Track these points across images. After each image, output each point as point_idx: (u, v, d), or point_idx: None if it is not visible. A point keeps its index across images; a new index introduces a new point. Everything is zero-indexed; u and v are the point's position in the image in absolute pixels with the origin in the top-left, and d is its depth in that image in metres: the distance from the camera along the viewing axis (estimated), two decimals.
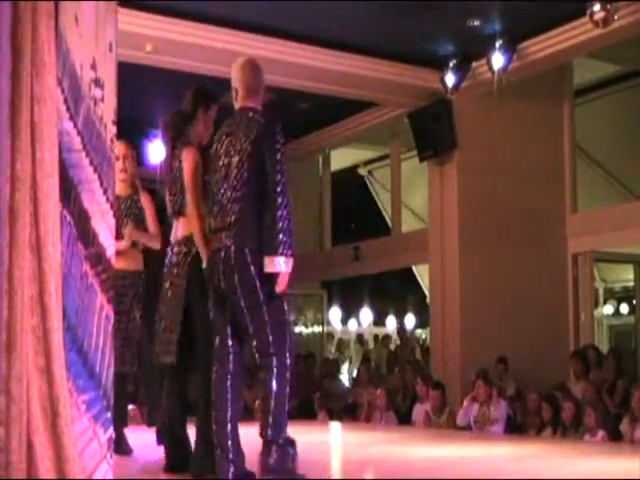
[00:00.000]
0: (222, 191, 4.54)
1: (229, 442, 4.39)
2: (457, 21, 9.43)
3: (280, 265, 4.34)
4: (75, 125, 3.68)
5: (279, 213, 4.34)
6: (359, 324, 19.42)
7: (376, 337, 18.37)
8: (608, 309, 16.78)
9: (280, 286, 4.39)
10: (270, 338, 4.41)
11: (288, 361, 4.47)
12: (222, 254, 4.47)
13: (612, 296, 17.10)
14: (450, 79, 10.41)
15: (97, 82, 3.78)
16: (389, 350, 16.43)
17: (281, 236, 4.33)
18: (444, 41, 10.10)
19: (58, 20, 3.63)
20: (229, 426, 4.42)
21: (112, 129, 3.83)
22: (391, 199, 14.16)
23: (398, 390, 11.54)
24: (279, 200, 4.36)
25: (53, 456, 3.42)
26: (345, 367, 16.76)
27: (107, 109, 3.81)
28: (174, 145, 5.09)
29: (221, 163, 4.59)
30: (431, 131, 11.11)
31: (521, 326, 10.84)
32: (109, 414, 3.71)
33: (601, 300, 16.14)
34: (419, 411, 10.12)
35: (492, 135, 11.22)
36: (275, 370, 4.42)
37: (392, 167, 13.92)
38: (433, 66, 10.48)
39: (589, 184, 12.58)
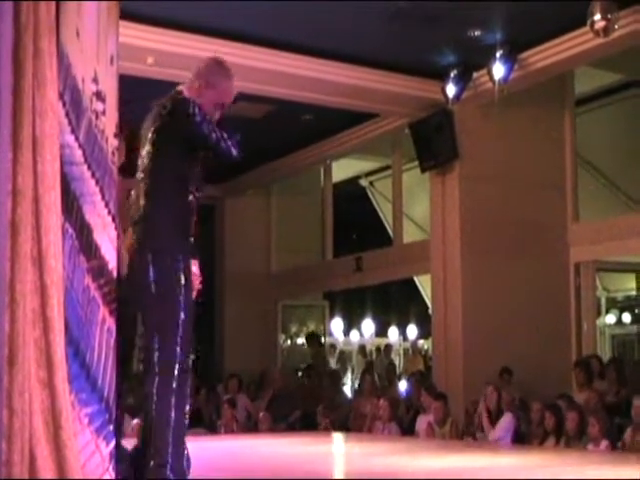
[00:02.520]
0: None
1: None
2: (458, 32, 9.44)
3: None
4: (76, 138, 3.69)
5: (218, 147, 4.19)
6: (361, 335, 19.40)
7: (378, 348, 18.37)
8: (610, 318, 16.76)
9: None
10: (156, 354, 4.12)
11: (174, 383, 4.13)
12: None
13: (614, 305, 17.09)
14: (451, 89, 10.41)
15: (98, 95, 3.79)
16: (390, 360, 16.42)
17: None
18: (445, 52, 10.11)
19: (59, 34, 3.65)
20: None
21: (113, 142, 3.84)
22: (393, 210, 14.16)
23: (401, 401, 11.52)
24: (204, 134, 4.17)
25: (55, 469, 3.42)
26: (348, 378, 16.75)
27: (109, 122, 3.82)
28: None
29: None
30: (432, 142, 11.11)
31: (524, 336, 10.82)
32: (111, 427, 3.71)
33: (603, 309, 16.12)
34: (422, 422, 10.10)
35: (493, 145, 11.22)
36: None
37: (393, 178, 13.92)
38: (434, 77, 10.49)
39: (591, 193, 12.58)
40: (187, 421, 4.16)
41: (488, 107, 10.53)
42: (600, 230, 11.46)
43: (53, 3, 3.63)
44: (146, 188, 4.13)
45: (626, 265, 14.06)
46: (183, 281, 4.11)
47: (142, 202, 4.12)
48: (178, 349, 4.08)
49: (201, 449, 5.20)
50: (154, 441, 3.97)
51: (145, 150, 4.22)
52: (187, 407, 4.18)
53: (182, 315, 4.10)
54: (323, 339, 15.78)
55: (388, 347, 17.81)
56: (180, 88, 4.46)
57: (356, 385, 15.13)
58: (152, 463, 3.93)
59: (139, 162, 4.27)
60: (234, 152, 4.20)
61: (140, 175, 4.21)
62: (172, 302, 4.09)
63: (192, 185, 4.20)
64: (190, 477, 4.12)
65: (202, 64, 4.57)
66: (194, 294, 4.24)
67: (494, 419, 9.35)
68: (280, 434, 9.36)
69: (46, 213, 3.47)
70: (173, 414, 4.02)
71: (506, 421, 9.28)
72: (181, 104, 4.23)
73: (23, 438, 3.34)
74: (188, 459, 4.17)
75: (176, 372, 4.06)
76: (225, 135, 4.18)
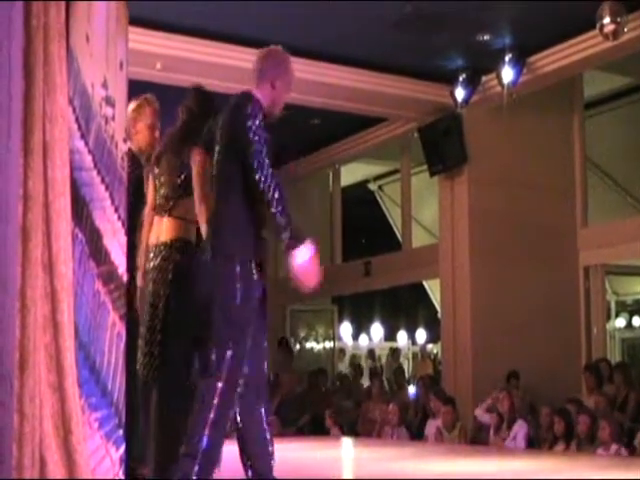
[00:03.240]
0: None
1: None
2: (467, 36, 9.45)
3: (297, 256, 3.98)
4: (86, 144, 3.70)
5: (271, 208, 3.97)
6: (370, 339, 19.39)
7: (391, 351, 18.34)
8: (620, 322, 16.72)
9: (305, 280, 4.07)
10: (213, 356, 4.01)
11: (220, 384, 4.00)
12: None
13: (624, 309, 17.04)
14: (460, 93, 10.42)
15: (108, 100, 3.80)
16: (398, 364, 16.40)
17: (286, 233, 3.97)
18: (454, 56, 10.12)
19: (69, 40, 3.66)
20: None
21: (123, 147, 3.85)
22: (401, 214, 14.15)
23: (410, 405, 11.51)
24: (262, 189, 3.97)
25: (65, 474, 3.42)
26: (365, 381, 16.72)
27: (118, 127, 3.83)
28: (178, 144, 4.97)
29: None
30: (441, 145, 11.12)
31: (533, 340, 10.80)
32: (121, 432, 3.72)
33: (613, 313, 16.08)
34: (431, 427, 10.08)
35: (502, 149, 11.22)
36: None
37: (402, 182, 13.92)
38: (443, 81, 10.49)
39: (600, 197, 12.56)
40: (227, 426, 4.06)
41: (497, 111, 10.52)
42: (609, 234, 11.44)
43: (63, 8, 3.64)
44: (216, 190, 4.13)
45: (635, 268, 14.02)
46: (251, 284, 4.05)
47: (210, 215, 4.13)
48: (230, 353, 4.00)
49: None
50: (189, 434, 3.90)
51: (216, 149, 4.22)
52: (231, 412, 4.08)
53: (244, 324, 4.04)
54: (332, 343, 15.76)
55: (397, 351, 17.79)
56: (250, 90, 4.31)
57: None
58: (181, 450, 3.89)
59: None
60: (277, 203, 4.00)
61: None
62: (237, 310, 4.01)
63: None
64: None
65: (265, 55, 4.44)
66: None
67: (506, 425, 9.33)
68: (289, 438, 9.34)
69: (56, 219, 3.47)
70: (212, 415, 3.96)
71: (521, 429, 9.24)
72: (243, 113, 4.10)
73: (34, 442, 3.35)
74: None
75: (240, 381, 4.00)
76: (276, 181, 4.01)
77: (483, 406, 9.73)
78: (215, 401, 3.91)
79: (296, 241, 3.96)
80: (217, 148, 4.22)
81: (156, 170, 5.00)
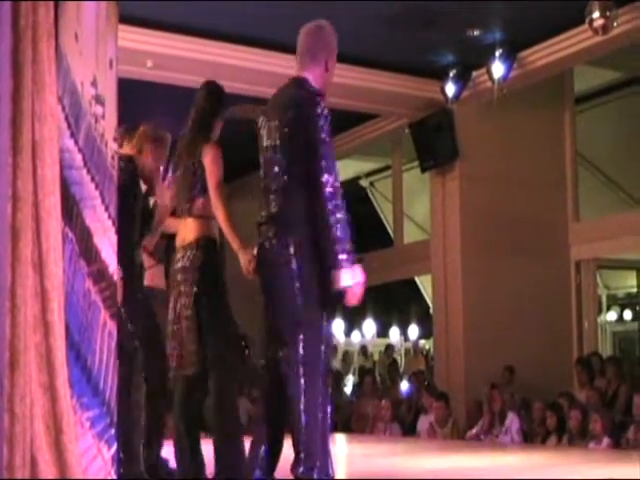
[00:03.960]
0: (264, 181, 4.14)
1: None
2: (457, 31, 9.45)
3: (346, 278, 3.93)
4: (76, 142, 3.69)
5: (330, 217, 3.87)
6: (362, 336, 19.40)
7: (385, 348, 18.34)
8: (612, 316, 16.77)
9: (351, 299, 3.97)
10: (300, 351, 3.91)
11: (319, 382, 3.92)
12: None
13: (615, 302, 17.10)
14: (450, 89, 10.43)
15: (98, 99, 3.78)
16: (391, 360, 16.41)
17: (337, 246, 3.90)
18: (444, 51, 10.12)
19: (58, 39, 3.64)
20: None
21: (113, 145, 3.84)
22: (393, 210, 14.16)
23: (402, 401, 11.52)
24: (326, 187, 3.86)
25: (57, 474, 3.41)
26: (350, 379, 16.74)
27: (108, 126, 3.81)
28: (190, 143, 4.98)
29: (261, 148, 4.19)
30: (432, 141, 11.13)
31: (525, 335, 10.83)
32: (113, 431, 3.71)
33: (604, 307, 16.13)
34: (424, 422, 10.10)
35: (493, 144, 11.23)
36: (303, 395, 3.88)
37: (394, 178, 13.93)
38: (433, 76, 10.50)
39: (591, 191, 12.58)
40: (330, 421, 4.00)
41: (488, 106, 10.53)
42: (600, 228, 11.48)
43: (52, 7, 3.63)
44: (279, 184, 4.05)
45: (626, 262, 14.08)
46: (322, 274, 3.97)
47: (272, 197, 4.06)
48: (323, 347, 3.96)
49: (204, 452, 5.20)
50: (303, 444, 3.83)
51: (269, 142, 4.14)
52: (329, 407, 4.01)
53: (322, 310, 3.99)
54: None
55: (389, 347, 17.80)
56: (304, 75, 4.20)
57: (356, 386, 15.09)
58: (302, 468, 3.83)
59: (261, 158, 4.18)
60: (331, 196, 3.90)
61: (272, 170, 4.11)
62: (316, 295, 3.96)
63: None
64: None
65: (315, 32, 4.29)
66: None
67: (498, 420, 9.35)
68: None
69: (46, 218, 3.46)
70: (320, 415, 3.89)
71: (513, 422, 9.26)
72: (312, 115, 4.00)
73: (24, 442, 3.34)
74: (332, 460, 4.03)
75: (321, 368, 3.93)
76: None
77: (473, 432, 9.68)
78: (304, 385, 3.88)
79: (352, 259, 3.95)
80: (276, 142, 4.09)
81: (174, 173, 5.05)
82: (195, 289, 4.76)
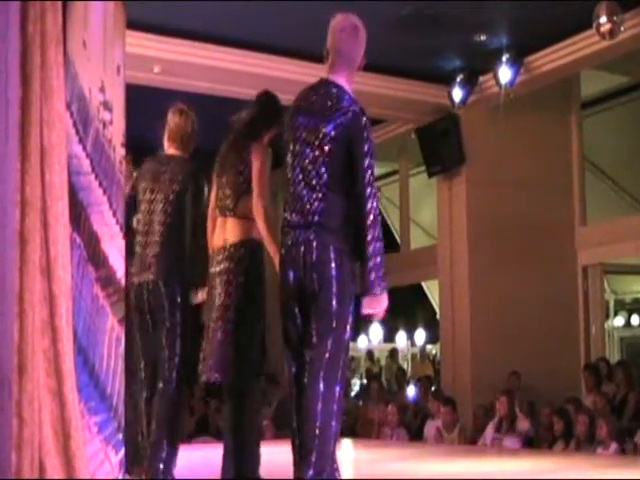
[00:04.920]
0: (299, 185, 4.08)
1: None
2: (464, 36, 9.45)
3: (376, 303, 3.97)
4: (84, 148, 3.70)
5: (370, 247, 3.89)
6: (369, 341, 19.38)
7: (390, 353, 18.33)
8: (619, 321, 16.73)
9: (375, 317, 4.05)
10: (327, 355, 3.92)
11: (337, 388, 3.93)
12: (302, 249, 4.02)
13: (623, 308, 17.06)
14: (457, 94, 10.42)
15: (106, 105, 3.80)
16: (398, 365, 16.40)
17: (373, 273, 3.91)
18: (451, 56, 10.12)
19: (66, 45, 3.66)
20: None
21: (121, 151, 3.86)
22: (400, 215, 14.16)
23: (409, 406, 11.51)
24: (370, 215, 3.89)
25: (65, 478, 3.42)
26: (356, 383, 16.73)
27: (116, 131, 3.83)
28: (237, 142, 4.94)
29: (295, 150, 4.11)
30: (439, 146, 11.12)
31: (532, 340, 10.80)
32: (120, 436, 3.72)
33: (612, 312, 16.09)
34: (431, 427, 10.08)
35: (500, 149, 11.21)
36: (321, 396, 3.88)
37: (400, 183, 13.92)
38: (440, 81, 10.49)
39: (598, 196, 12.57)
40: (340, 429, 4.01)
41: (494, 111, 10.52)
42: (607, 233, 11.44)
43: (60, 13, 3.64)
44: (319, 195, 4.00)
45: (634, 267, 14.03)
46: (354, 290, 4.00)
47: (315, 204, 4.00)
48: (344, 355, 3.98)
49: (208, 457, 5.20)
50: (316, 448, 3.83)
51: (306, 150, 4.07)
52: (341, 416, 4.03)
53: (351, 319, 4.01)
54: None
55: (395, 352, 17.78)
56: (337, 79, 4.17)
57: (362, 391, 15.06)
58: (311, 472, 3.82)
59: (295, 160, 4.10)
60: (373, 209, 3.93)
61: (309, 179, 4.06)
62: (348, 303, 3.97)
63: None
64: None
65: (353, 32, 4.24)
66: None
67: (507, 426, 9.32)
68: (288, 440, 9.34)
69: (54, 223, 3.47)
70: (333, 422, 3.90)
71: (521, 427, 9.24)
72: (362, 126, 4.05)
73: (33, 447, 3.35)
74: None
75: (340, 376, 3.94)
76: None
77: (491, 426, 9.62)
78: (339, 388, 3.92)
79: (384, 287, 3.95)
80: (315, 152, 4.03)
81: (219, 171, 4.96)
82: (239, 291, 4.70)
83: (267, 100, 5.07)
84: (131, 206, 5.22)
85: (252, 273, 4.72)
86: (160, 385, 4.93)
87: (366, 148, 4.00)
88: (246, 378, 4.72)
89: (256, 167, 4.74)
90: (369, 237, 3.89)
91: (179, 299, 5.00)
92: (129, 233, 5.10)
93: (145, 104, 7.33)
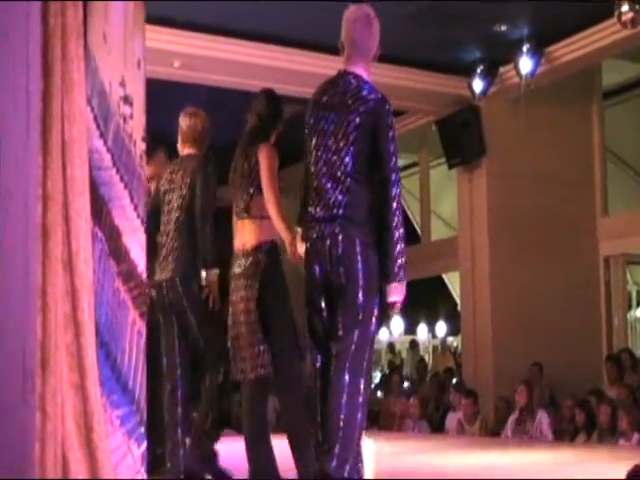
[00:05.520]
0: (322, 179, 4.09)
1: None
2: (484, 27, 9.41)
3: (398, 292, 3.98)
4: (105, 143, 3.71)
5: (395, 232, 3.91)
6: (390, 333, 19.37)
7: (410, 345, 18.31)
8: None
9: (395, 310, 4.06)
10: (352, 347, 3.93)
11: (362, 381, 3.94)
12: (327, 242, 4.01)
13: None
14: (478, 85, 10.38)
15: (126, 99, 3.80)
16: (419, 357, 16.37)
17: (400, 261, 3.93)
18: (471, 47, 10.08)
19: (87, 39, 3.67)
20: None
21: (141, 146, 3.86)
22: (420, 207, 14.14)
23: (430, 399, 11.49)
24: (394, 202, 3.91)
25: (88, 472, 3.44)
26: (377, 375, 16.73)
27: (136, 126, 3.83)
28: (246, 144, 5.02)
29: (318, 143, 4.11)
30: (459, 138, 11.08)
31: (553, 331, 10.76)
32: (143, 429, 3.73)
33: (634, 303, 15.98)
34: (452, 420, 10.07)
35: (521, 140, 11.15)
36: (346, 388, 3.89)
37: (421, 175, 13.90)
38: (460, 73, 10.46)
39: (620, 187, 12.49)
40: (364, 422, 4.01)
41: (515, 102, 10.48)
42: (629, 223, 11.37)
43: (80, 7, 3.65)
44: (344, 186, 4.01)
45: None
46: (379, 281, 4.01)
47: (340, 197, 4.00)
48: (369, 348, 3.99)
49: (230, 450, 5.22)
50: (340, 440, 3.83)
51: (330, 142, 4.07)
52: (366, 409, 4.01)
53: (377, 312, 4.01)
54: None
55: (415, 344, 17.76)
56: (356, 70, 4.15)
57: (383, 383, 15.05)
58: (334, 462, 3.81)
59: (317, 153, 4.10)
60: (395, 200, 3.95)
61: (333, 171, 4.05)
62: (374, 296, 3.97)
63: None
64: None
65: (360, 25, 4.20)
66: None
67: (526, 417, 9.29)
68: None
69: (76, 218, 3.49)
70: (359, 414, 3.90)
71: (543, 418, 9.19)
72: (385, 112, 4.05)
73: (56, 441, 3.37)
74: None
75: (365, 369, 3.95)
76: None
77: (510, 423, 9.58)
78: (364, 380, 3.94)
79: (405, 274, 3.97)
80: (339, 145, 4.03)
81: (232, 176, 5.06)
82: (258, 294, 4.77)
83: (268, 99, 5.15)
84: (158, 210, 5.34)
85: (272, 273, 4.80)
86: (207, 380, 5.09)
87: (391, 134, 4.02)
88: (287, 373, 4.80)
89: (264, 166, 4.85)
90: (393, 223, 3.92)
91: (198, 294, 5.09)
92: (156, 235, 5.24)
93: (166, 98, 7.34)
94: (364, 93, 4.07)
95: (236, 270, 4.90)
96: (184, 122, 5.43)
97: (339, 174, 4.02)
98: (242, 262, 4.88)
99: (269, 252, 4.84)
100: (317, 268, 4.05)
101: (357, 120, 4.02)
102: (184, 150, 5.45)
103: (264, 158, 4.87)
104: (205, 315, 5.13)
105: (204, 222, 5.12)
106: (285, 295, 4.85)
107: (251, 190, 4.89)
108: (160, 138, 5.77)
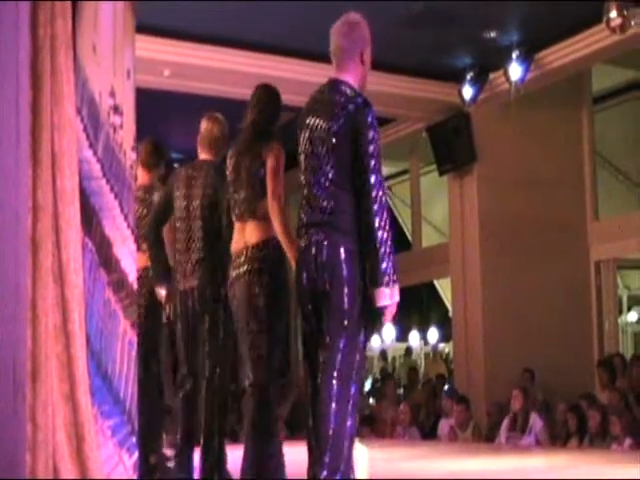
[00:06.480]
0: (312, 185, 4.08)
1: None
2: (473, 33, 9.42)
3: (386, 297, 3.91)
4: (95, 153, 3.71)
5: (378, 234, 3.86)
6: (382, 340, 19.34)
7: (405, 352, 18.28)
8: (632, 316, 16.63)
9: (386, 317, 3.97)
10: (339, 355, 3.91)
11: (352, 388, 3.92)
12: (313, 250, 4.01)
13: (636, 303, 16.95)
14: (468, 92, 10.39)
15: (116, 109, 3.81)
16: (410, 365, 16.36)
17: (383, 264, 3.87)
18: (461, 54, 10.10)
19: (76, 49, 3.67)
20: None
21: (132, 155, 3.86)
22: (411, 214, 14.16)
23: (422, 405, 11.49)
24: (375, 204, 3.87)
25: None
26: (368, 383, 16.71)
27: (126, 136, 3.84)
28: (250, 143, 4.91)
29: (306, 151, 4.13)
30: (450, 145, 11.09)
31: (545, 336, 10.77)
32: (134, 439, 3.73)
33: (625, 307, 16.01)
34: (444, 426, 10.07)
35: (511, 146, 11.18)
36: (334, 396, 3.87)
37: (412, 182, 13.91)
38: (450, 79, 10.47)
39: (610, 191, 12.52)
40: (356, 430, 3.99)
41: (505, 108, 10.50)
42: (620, 228, 11.40)
43: (69, 18, 3.65)
44: (327, 193, 4.00)
45: None
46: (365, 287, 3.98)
47: (324, 203, 3.99)
48: (358, 356, 3.96)
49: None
50: (330, 448, 3.82)
51: (316, 150, 4.07)
52: (357, 416, 4.01)
53: (365, 318, 3.98)
54: None
55: (410, 350, 17.76)
56: (344, 77, 4.17)
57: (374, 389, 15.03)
58: (325, 472, 3.80)
59: (306, 161, 4.11)
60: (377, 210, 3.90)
61: (318, 178, 4.04)
62: (360, 303, 3.95)
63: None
64: None
65: (349, 30, 4.23)
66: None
67: (520, 423, 9.30)
68: (301, 440, 9.35)
69: (66, 228, 3.49)
70: (349, 422, 3.89)
71: (536, 423, 9.20)
72: (365, 113, 4.03)
73: (47, 451, 3.36)
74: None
75: (354, 376, 3.94)
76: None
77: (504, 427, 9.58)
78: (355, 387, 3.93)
79: (395, 278, 3.91)
80: (322, 151, 4.04)
81: (232, 176, 4.91)
82: (263, 291, 4.68)
83: (266, 94, 5.07)
84: (161, 215, 5.31)
85: (275, 272, 4.71)
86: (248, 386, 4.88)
87: (371, 135, 3.99)
88: (269, 379, 4.72)
89: (270, 166, 4.72)
90: (375, 225, 3.87)
91: (224, 301, 5.02)
92: (159, 241, 5.21)
93: (156, 108, 7.34)
94: (346, 99, 4.08)
95: (237, 271, 4.75)
96: (202, 125, 5.41)
97: (322, 180, 4.03)
98: (243, 261, 4.74)
99: (273, 250, 4.69)
100: (304, 275, 4.05)
101: (336, 127, 4.02)
102: (200, 155, 5.41)
103: (272, 159, 4.73)
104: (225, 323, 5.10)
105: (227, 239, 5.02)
106: (286, 296, 4.75)
107: (258, 191, 4.75)
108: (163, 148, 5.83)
